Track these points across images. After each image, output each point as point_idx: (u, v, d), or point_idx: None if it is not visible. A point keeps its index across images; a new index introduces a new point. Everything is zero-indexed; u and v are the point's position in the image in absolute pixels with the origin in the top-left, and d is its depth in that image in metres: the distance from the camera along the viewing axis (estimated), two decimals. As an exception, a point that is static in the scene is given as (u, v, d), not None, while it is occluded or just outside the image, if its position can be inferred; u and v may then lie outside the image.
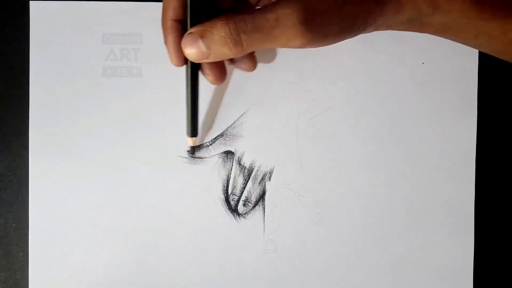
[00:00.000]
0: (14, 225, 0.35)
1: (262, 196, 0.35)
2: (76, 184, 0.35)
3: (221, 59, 0.28)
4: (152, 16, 0.34)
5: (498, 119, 0.35)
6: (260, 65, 0.34)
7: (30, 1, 0.34)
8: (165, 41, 0.29)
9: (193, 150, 0.34)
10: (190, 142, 0.33)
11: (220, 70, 0.30)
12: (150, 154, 0.35)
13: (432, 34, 0.30)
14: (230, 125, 0.35)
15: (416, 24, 0.28)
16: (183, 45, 0.27)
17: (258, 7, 0.25)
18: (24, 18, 0.34)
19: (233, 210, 0.35)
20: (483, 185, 0.35)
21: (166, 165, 0.35)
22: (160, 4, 0.34)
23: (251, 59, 0.31)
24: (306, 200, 0.35)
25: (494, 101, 0.35)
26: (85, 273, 0.35)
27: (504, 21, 0.27)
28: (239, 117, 0.35)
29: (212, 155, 0.35)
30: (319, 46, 0.27)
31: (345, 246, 0.35)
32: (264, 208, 0.35)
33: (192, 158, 0.35)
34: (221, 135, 0.35)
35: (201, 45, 0.26)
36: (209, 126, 0.35)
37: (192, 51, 0.26)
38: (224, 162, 0.35)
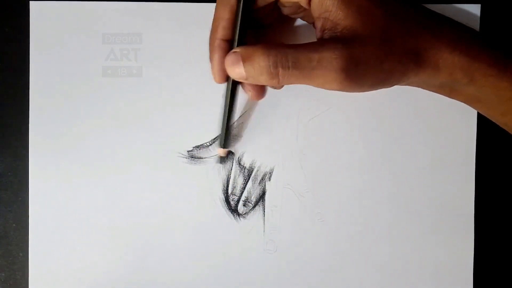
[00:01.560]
0: (14, 225, 0.35)
1: (262, 196, 0.35)
2: (76, 184, 0.35)
3: (257, 84, 0.28)
4: (152, 16, 0.34)
5: (498, 119, 0.35)
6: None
7: (30, 1, 0.34)
8: (211, 59, 0.29)
9: (223, 160, 0.34)
10: (221, 152, 0.34)
11: (261, 87, 0.31)
12: (150, 154, 0.35)
13: (461, 101, 0.30)
14: (230, 125, 0.35)
15: (447, 90, 0.29)
16: (226, 62, 0.27)
17: (303, 44, 0.25)
18: (24, 18, 0.34)
19: (233, 210, 0.35)
20: (483, 185, 0.35)
21: (166, 165, 0.35)
22: (161, 4, 0.34)
23: (262, 91, 0.31)
24: (306, 200, 0.35)
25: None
26: (85, 273, 0.35)
27: None
28: (239, 117, 0.35)
29: (212, 155, 0.35)
30: (352, 92, 0.27)
31: (345, 246, 0.35)
32: (264, 208, 0.35)
33: (192, 158, 0.35)
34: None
35: (241, 68, 0.26)
36: (209, 125, 0.35)
37: (232, 71, 0.27)
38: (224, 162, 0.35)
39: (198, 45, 0.34)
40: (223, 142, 0.32)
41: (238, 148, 0.35)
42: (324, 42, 0.25)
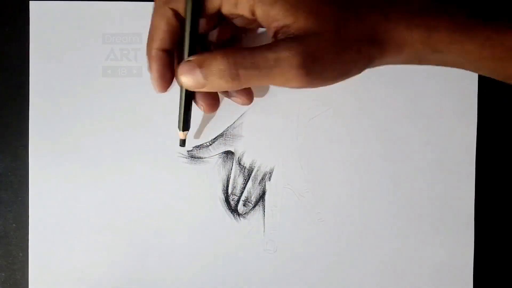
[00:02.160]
0: (14, 225, 0.35)
1: (262, 196, 0.35)
2: (76, 184, 0.35)
3: (216, 91, 0.28)
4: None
5: (498, 119, 0.35)
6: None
7: (30, 1, 0.34)
8: (150, 69, 0.28)
9: (184, 142, 0.33)
10: (181, 135, 0.32)
11: (213, 100, 0.31)
12: (150, 154, 0.35)
13: (432, 65, 0.30)
14: (230, 125, 0.35)
15: (415, 62, 0.29)
16: (179, 72, 0.26)
17: (259, 46, 0.25)
18: (24, 18, 0.34)
19: (233, 210, 0.35)
20: (483, 185, 0.35)
21: (166, 165, 0.35)
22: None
23: (248, 94, 0.31)
24: (306, 200, 0.35)
25: (494, 101, 0.35)
26: (85, 273, 0.35)
27: (509, 60, 0.27)
28: (239, 117, 0.35)
29: (212, 155, 0.35)
30: (317, 87, 0.27)
31: (345, 246, 0.35)
32: (264, 208, 0.35)
33: (192, 158, 0.35)
34: (221, 135, 0.35)
35: (199, 75, 0.26)
36: (209, 126, 0.35)
37: (188, 79, 0.26)
38: (224, 162, 0.35)
39: (198, 45, 0.34)
40: (181, 125, 0.31)
41: (238, 148, 0.35)
42: (279, 42, 0.25)
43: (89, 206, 0.35)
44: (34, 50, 0.35)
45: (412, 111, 0.35)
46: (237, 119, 0.35)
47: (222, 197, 0.35)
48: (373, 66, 0.28)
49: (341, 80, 0.27)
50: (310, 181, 0.35)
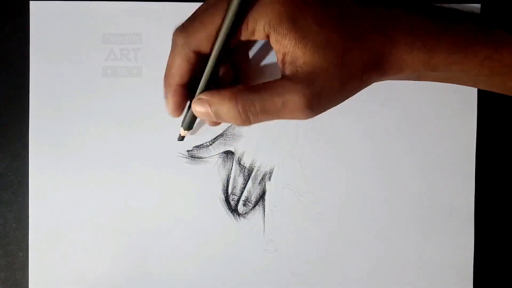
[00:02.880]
0: (14, 225, 0.35)
1: (262, 196, 0.35)
2: (76, 184, 0.35)
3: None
4: (152, 16, 0.34)
5: (498, 119, 0.35)
6: (260, 65, 0.34)
7: (30, 1, 0.34)
8: (166, 99, 0.29)
9: (183, 138, 0.34)
10: (182, 132, 0.33)
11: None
12: (150, 154, 0.35)
13: (430, 81, 0.31)
14: (230, 125, 0.35)
15: (414, 78, 0.30)
16: (193, 107, 0.28)
17: (265, 82, 0.26)
18: (24, 18, 0.34)
19: (233, 210, 0.35)
20: (483, 185, 0.35)
21: (166, 165, 0.35)
22: (161, 4, 0.34)
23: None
24: (306, 200, 0.35)
25: (494, 101, 0.35)
26: (85, 273, 0.35)
27: (507, 75, 0.28)
28: (239, 117, 0.35)
29: (212, 155, 0.35)
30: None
31: (345, 246, 0.35)
32: (264, 208, 0.35)
33: (192, 158, 0.35)
34: (221, 135, 0.35)
35: (210, 111, 0.27)
36: (209, 126, 0.35)
37: (202, 115, 0.28)
38: (224, 162, 0.35)
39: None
40: (186, 125, 0.32)
41: (238, 148, 0.35)
42: (286, 84, 0.26)
43: (89, 206, 0.35)
44: (34, 50, 0.35)
45: (412, 111, 0.35)
46: (237, 119, 0.35)
47: (222, 197, 0.35)
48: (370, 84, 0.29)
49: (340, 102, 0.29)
50: (310, 181, 0.35)
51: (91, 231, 0.35)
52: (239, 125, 0.27)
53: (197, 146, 0.35)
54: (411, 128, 0.35)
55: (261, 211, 0.35)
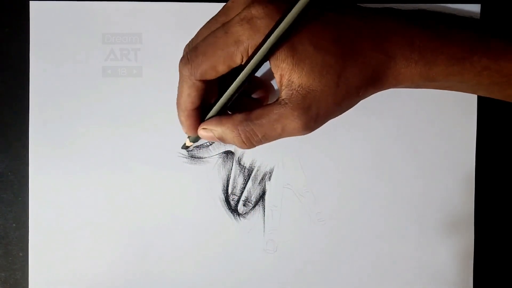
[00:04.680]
0: (14, 225, 0.35)
1: (262, 196, 0.35)
2: (76, 184, 0.35)
3: None
4: (152, 16, 0.34)
5: (498, 119, 0.35)
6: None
7: (30, 1, 0.34)
8: (181, 123, 0.30)
9: (187, 148, 0.34)
10: (188, 143, 0.33)
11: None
12: (150, 154, 0.35)
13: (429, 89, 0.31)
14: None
15: (411, 87, 0.30)
16: (199, 132, 0.29)
17: (264, 107, 0.27)
18: (24, 18, 0.34)
19: (233, 210, 0.35)
20: (483, 186, 0.35)
21: (166, 165, 0.35)
22: (161, 4, 0.34)
23: (267, 90, 0.33)
24: (306, 200, 0.35)
25: (494, 101, 0.35)
26: (85, 273, 0.35)
27: (506, 84, 0.28)
28: (239, 117, 0.35)
29: (212, 155, 0.35)
30: None
31: (345, 246, 0.35)
32: (264, 208, 0.35)
33: (192, 158, 0.35)
34: (221, 135, 0.35)
35: (215, 137, 0.28)
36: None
37: (207, 136, 0.29)
38: (224, 162, 0.35)
39: (198, 45, 0.34)
40: (193, 138, 0.32)
41: (238, 148, 0.35)
42: (283, 111, 0.26)
43: (89, 206, 0.35)
44: (34, 50, 0.35)
45: (412, 111, 0.35)
46: (237, 119, 0.35)
47: (222, 197, 0.35)
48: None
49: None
50: (310, 181, 0.35)
51: (91, 231, 0.35)
52: (244, 149, 0.28)
53: (197, 146, 0.35)
54: (411, 129, 0.35)
55: (261, 211, 0.35)
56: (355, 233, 0.35)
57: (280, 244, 0.35)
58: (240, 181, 0.35)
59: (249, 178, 0.35)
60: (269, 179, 0.35)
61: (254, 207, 0.35)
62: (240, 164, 0.35)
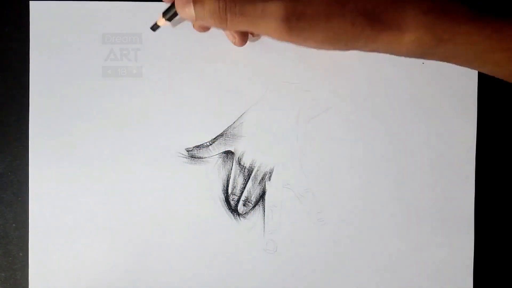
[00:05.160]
0: (14, 225, 0.35)
1: (262, 196, 0.35)
2: (76, 184, 0.35)
3: (205, 26, 0.30)
4: (152, 16, 0.34)
5: (498, 119, 0.35)
6: (260, 65, 0.34)
7: (30, 1, 0.34)
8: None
9: (156, 28, 0.31)
10: (161, 21, 0.30)
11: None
12: (150, 154, 0.35)
13: (434, 60, 0.29)
14: (230, 125, 0.35)
15: (417, 54, 0.28)
16: (176, 3, 0.27)
17: None
18: (24, 18, 0.34)
19: (233, 210, 0.35)
20: (483, 185, 0.35)
21: (166, 165, 0.35)
22: (161, 4, 0.34)
23: (242, 37, 0.32)
24: (306, 200, 0.35)
25: (494, 101, 0.35)
26: (85, 273, 0.35)
27: None
28: (239, 117, 0.35)
29: (212, 155, 0.35)
30: (302, 45, 0.27)
31: (345, 246, 0.35)
32: (264, 208, 0.35)
33: (192, 158, 0.35)
34: (221, 135, 0.35)
35: (191, 9, 0.27)
36: (209, 125, 0.35)
37: (183, 11, 0.27)
38: (224, 162, 0.35)
39: (198, 45, 0.34)
40: (168, 15, 0.30)
41: (238, 148, 0.35)
42: None
43: (89, 206, 0.35)
44: (34, 50, 0.35)
45: (412, 111, 0.35)
46: (237, 119, 0.35)
47: (222, 197, 0.35)
48: (367, 48, 0.27)
49: (326, 48, 0.27)
50: (310, 181, 0.35)
51: (91, 231, 0.35)
52: (215, 24, 0.27)
53: (197, 146, 0.35)
54: (411, 128, 0.35)
55: (261, 211, 0.35)
56: (354, 233, 0.35)
57: (280, 244, 0.35)
58: (240, 181, 0.35)
59: (249, 178, 0.35)
60: (269, 179, 0.35)
61: (254, 207, 0.35)
62: (240, 164, 0.35)
